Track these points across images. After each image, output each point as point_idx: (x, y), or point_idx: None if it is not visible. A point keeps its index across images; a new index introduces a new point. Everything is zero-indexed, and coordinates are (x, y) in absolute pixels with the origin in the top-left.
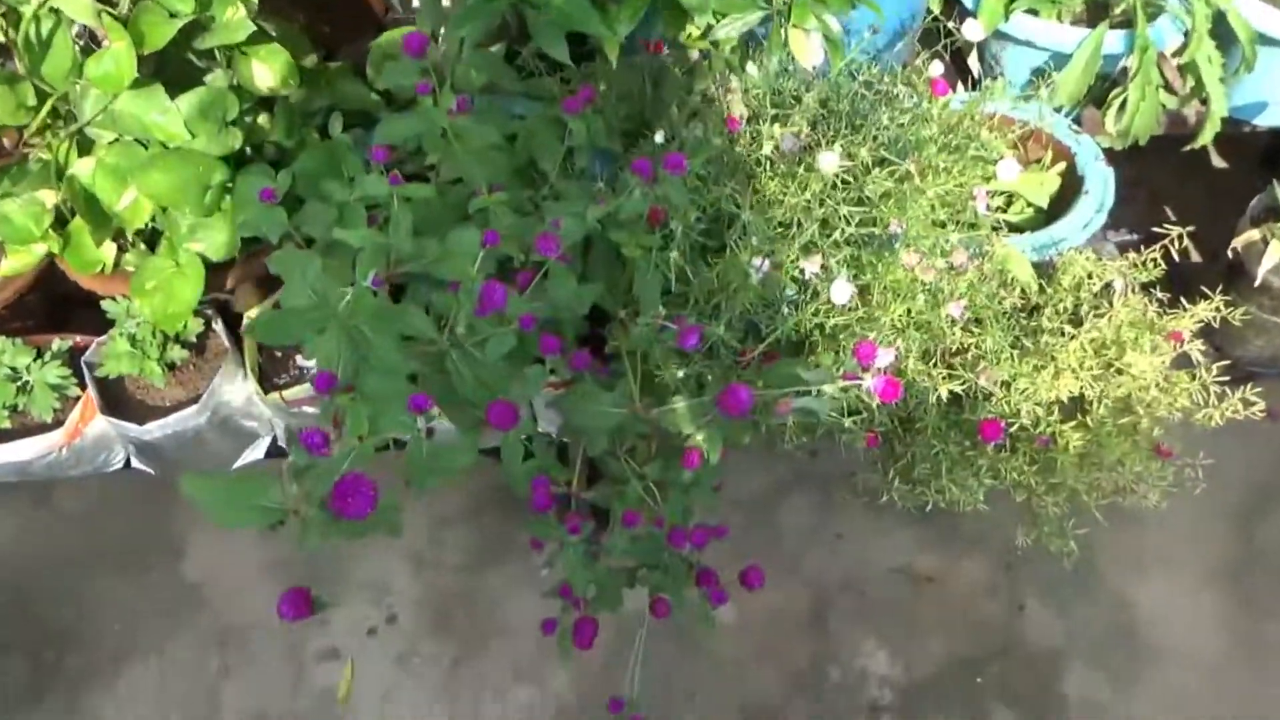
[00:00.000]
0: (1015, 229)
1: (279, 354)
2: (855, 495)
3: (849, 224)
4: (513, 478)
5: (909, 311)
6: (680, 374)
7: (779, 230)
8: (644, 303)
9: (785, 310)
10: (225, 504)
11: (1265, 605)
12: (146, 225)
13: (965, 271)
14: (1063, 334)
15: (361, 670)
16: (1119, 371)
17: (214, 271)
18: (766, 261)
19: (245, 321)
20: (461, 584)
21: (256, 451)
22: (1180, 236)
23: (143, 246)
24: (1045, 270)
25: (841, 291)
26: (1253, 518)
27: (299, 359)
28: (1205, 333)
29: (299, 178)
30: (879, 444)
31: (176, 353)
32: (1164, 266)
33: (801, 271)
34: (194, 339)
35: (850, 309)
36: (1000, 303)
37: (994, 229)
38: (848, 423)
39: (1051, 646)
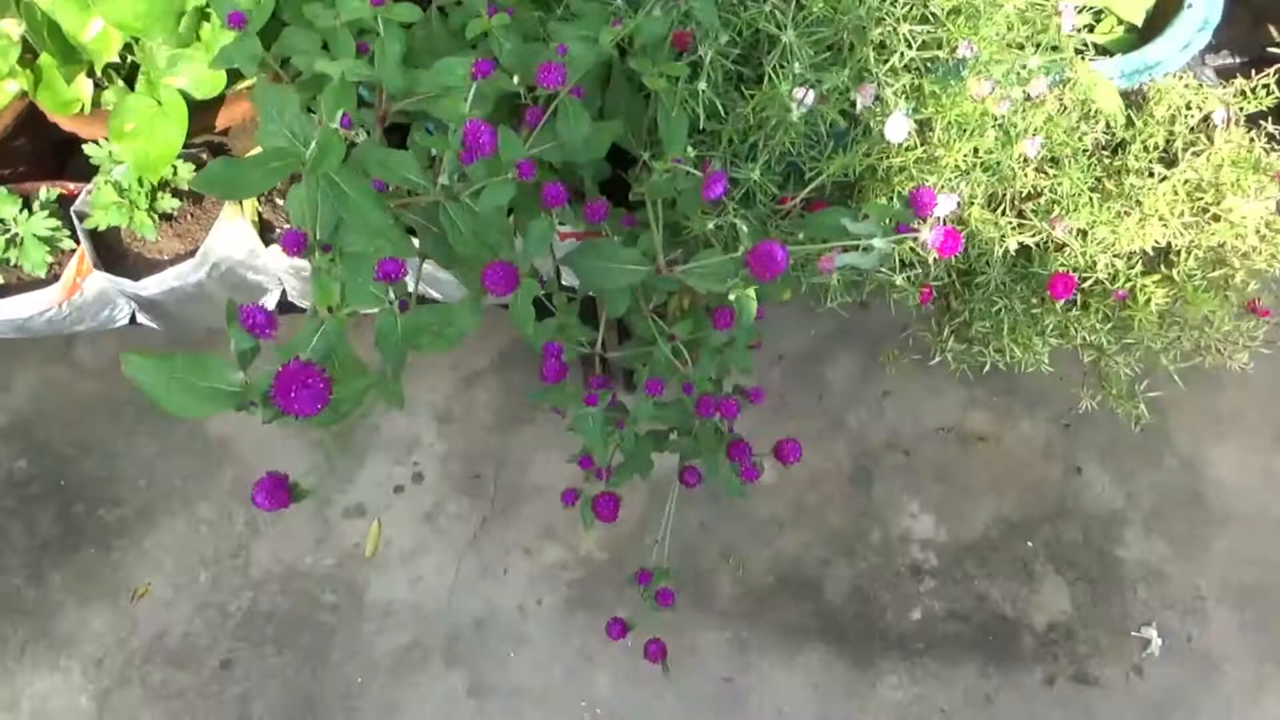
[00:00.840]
0: (1101, 50)
1: (279, 201)
2: (905, 352)
3: (910, 45)
4: (528, 339)
5: (975, 151)
6: (711, 225)
7: (826, 55)
8: (667, 144)
9: (831, 150)
10: (173, 388)
11: None
12: (123, 60)
13: (1043, 102)
14: (1151, 175)
15: (388, 528)
16: (1215, 218)
17: (202, 110)
18: (811, 93)
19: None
20: (490, 442)
21: (267, 305)
22: None
23: (120, 84)
24: (1133, 100)
25: (898, 127)
26: None
27: None
28: None
29: (283, 2)
30: (933, 299)
31: (168, 202)
32: (1277, 94)
33: (852, 104)
34: (186, 186)
35: (908, 148)
36: (1080, 139)
37: (1077, 51)
38: (899, 279)
39: (1109, 510)
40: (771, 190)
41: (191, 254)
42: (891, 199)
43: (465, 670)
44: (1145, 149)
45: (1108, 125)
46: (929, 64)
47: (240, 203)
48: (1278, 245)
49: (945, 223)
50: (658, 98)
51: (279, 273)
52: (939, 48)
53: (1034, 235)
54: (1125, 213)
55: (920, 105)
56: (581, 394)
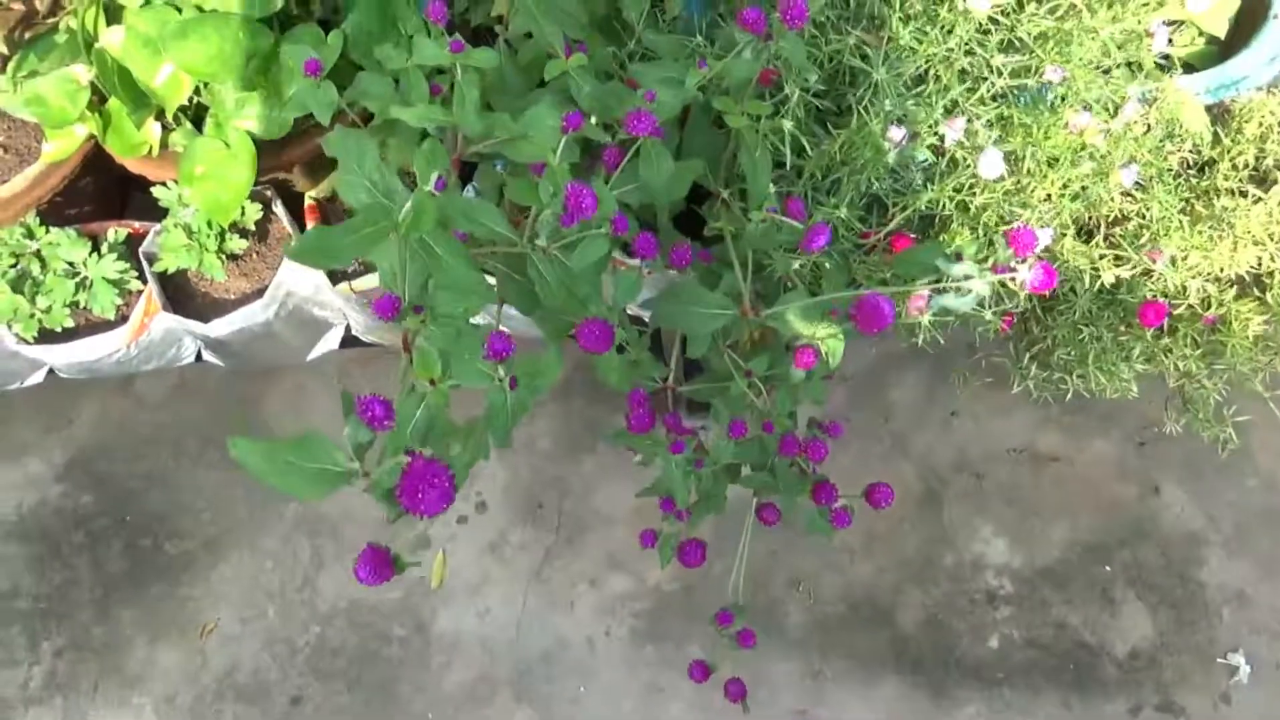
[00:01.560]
0: (1182, 66)
1: None
2: (976, 374)
3: (1000, 74)
4: (610, 384)
5: (1066, 182)
6: (795, 265)
7: (911, 88)
8: (752, 183)
9: (918, 183)
10: (283, 471)
11: None
12: (190, 102)
13: (1133, 125)
14: (1245, 196)
15: (454, 559)
16: None
17: (269, 150)
18: (904, 131)
19: (306, 201)
20: (552, 471)
21: (330, 342)
22: None
23: (189, 125)
24: (1216, 117)
25: (993, 163)
26: None
27: None
28: None
29: (352, 40)
30: (1012, 326)
31: (236, 243)
32: None
33: (941, 138)
34: (253, 226)
35: (997, 181)
36: (1165, 159)
37: (1159, 67)
38: (988, 315)
39: (1189, 531)
40: (855, 225)
41: (258, 292)
42: (980, 235)
43: (535, 705)
44: (1235, 168)
45: (1194, 144)
46: (1016, 91)
47: None
48: None
49: (1042, 259)
50: (739, 135)
51: (344, 308)
52: (1027, 74)
53: (1130, 268)
54: (1219, 236)
55: (1008, 136)
56: (666, 440)
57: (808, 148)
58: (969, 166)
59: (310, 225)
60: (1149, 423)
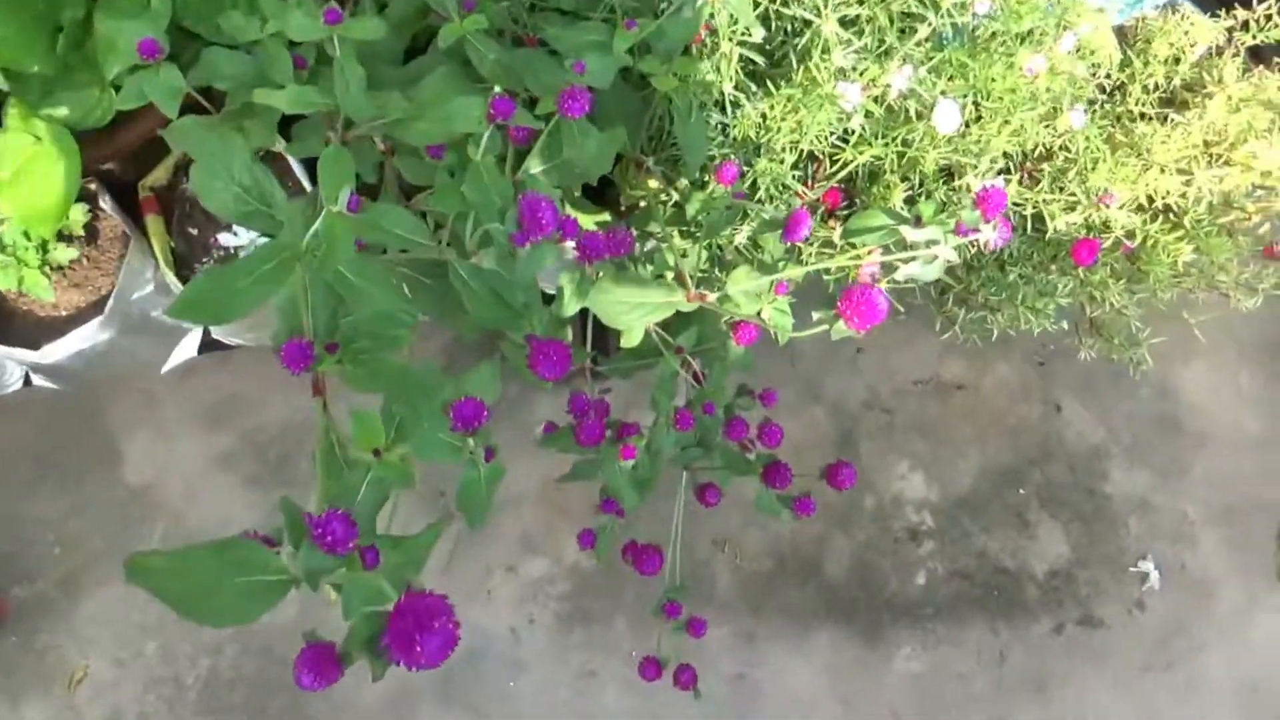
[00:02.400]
0: None
1: (194, 231)
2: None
3: (937, 10)
4: (472, 512)
5: (1016, 129)
6: (741, 239)
7: (852, 36)
8: (691, 156)
9: (867, 136)
10: (199, 590)
11: None
12: None
13: (1068, 58)
14: (1165, 121)
15: None
16: (1226, 163)
17: (92, 141)
18: (857, 88)
19: (140, 192)
20: None
21: (187, 349)
22: None
23: None
24: (1120, 38)
25: (948, 116)
26: None
27: (221, 237)
28: None
29: (182, 4)
30: None
31: (62, 253)
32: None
33: (887, 88)
34: (81, 230)
35: (953, 136)
36: (1081, 88)
37: None
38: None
39: (1092, 445)
40: (795, 187)
41: (94, 305)
42: (917, 187)
43: (464, 708)
44: (1146, 90)
45: (1106, 70)
46: (953, 29)
47: (149, 238)
48: None
49: (1005, 216)
50: (667, 99)
51: None
52: (960, 11)
53: (1082, 212)
54: (1144, 167)
55: (951, 82)
56: (614, 449)
57: (748, 105)
58: (921, 118)
59: (149, 221)
60: (1044, 341)
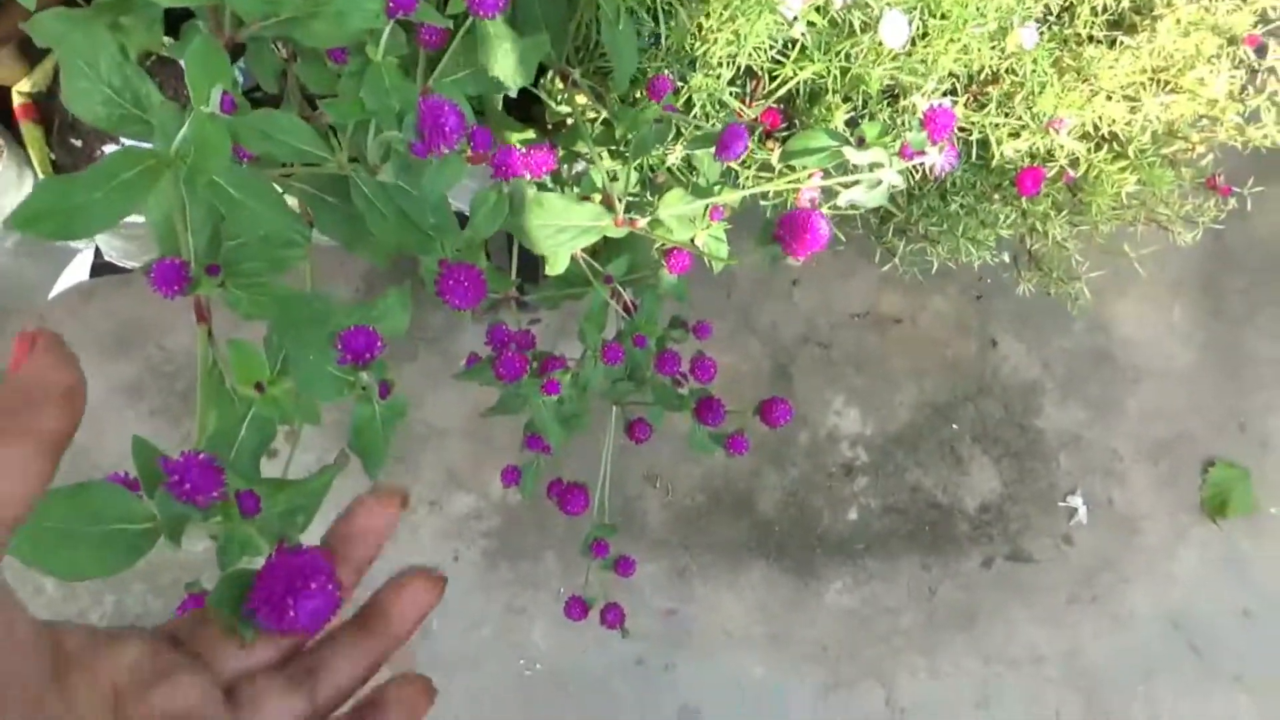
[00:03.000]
0: None
1: (77, 143)
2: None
3: None
4: (369, 455)
5: (964, 47)
6: (674, 160)
7: None
8: (620, 67)
9: (808, 50)
10: (53, 542)
11: (1235, 312)
12: None
13: None
14: (1113, 45)
15: None
16: (1174, 90)
17: None
18: None
19: (15, 98)
20: None
21: (77, 272)
22: None
23: None
24: None
25: (896, 29)
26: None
27: (107, 149)
28: None
29: None
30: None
31: None
32: None
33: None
34: None
35: (899, 52)
36: (1028, 6)
37: None
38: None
39: (1026, 381)
40: (732, 105)
41: None
42: (860, 107)
43: None
44: (1094, 12)
45: None
46: None
47: (26, 149)
48: (1245, 116)
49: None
50: (595, 3)
51: None
52: None
53: (1032, 137)
54: (1091, 92)
55: None
56: (536, 383)
57: (683, 14)
58: (866, 31)
59: (26, 129)
60: (982, 274)
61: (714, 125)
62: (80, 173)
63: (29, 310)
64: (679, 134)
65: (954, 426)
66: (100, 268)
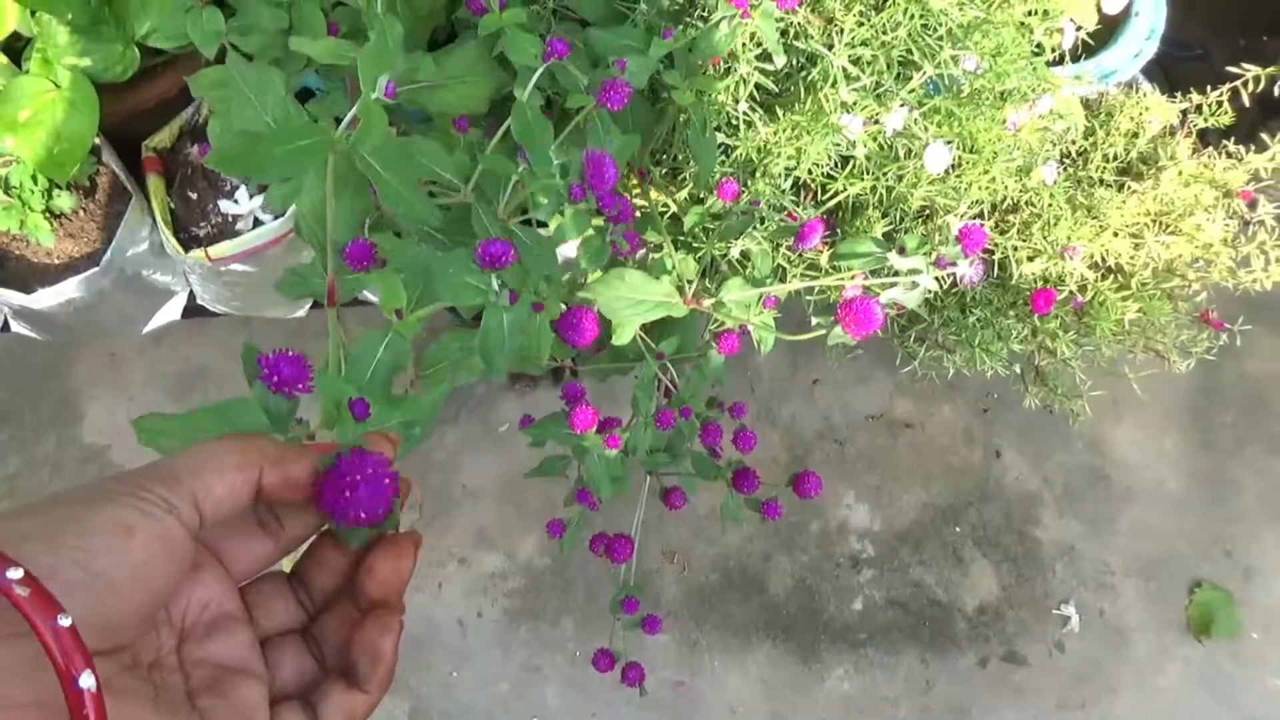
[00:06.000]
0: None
1: (193, 195)
2: (849, 349)
3: (934, 62)
4: (491, 357)
5: (994, 176)
6: (737, 253)
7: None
8: (704, 167)
9: (859, 169)
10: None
11: (1223, 444)
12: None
13: (1046, 118)
14: (1122, 189)
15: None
16: (1173, 232)
17: (108, 95)
18: (859, 119)
19: (144, 151)
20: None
21: (172, 311)
22: (1257, 79)
23: (3, 59)
24: (1088, 110)
25: (939, 157)
26: (1214, 360)
27: (222, 204)
28: None
29: None
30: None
31: (64, 200)
32: (1231, 112)
33: (882, 126)
34: (87, 181)
35: (938, 177)
36: (1050, 149)
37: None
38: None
39: (1027, 492)
40: (787, 208)
41: (87, 257)
42: (897, 223)
43: (404, 694)
44: (1106, 159)
45: (1071, 137)
46: (937, 79)
47: (149, 197)
48: (1234, 259)
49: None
50: (682, 112)
51: (190, 275)
52: (951, 64)
53: (1047, 261)
54: (1101, 227)
55: (940, 127)
56: (599, 439)
57: (760, 128)
58: (911, 157)
59: (151, 181)
60: (989, 389)
61: (772, 228)
62: (266, 132)
63: (111, 346)
64: (753, 225)
65: (957, 529)
66: (192, 310)
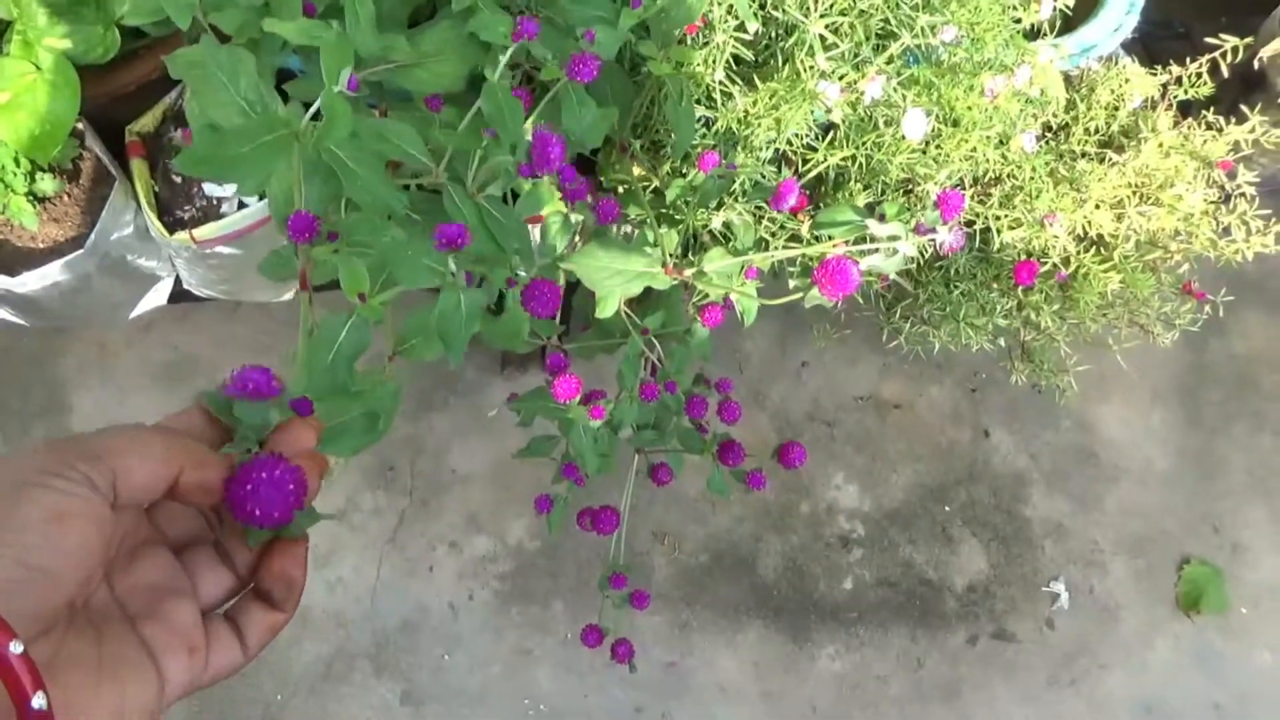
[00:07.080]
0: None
1: (178, 179)
2: (836, 328)
3: (911, 32)
4: (508, 341)
5: (974, 145)
6: (718, 223)
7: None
8: (681, 138)
9: (837, 139)
10: None
11: (1211, 422)
12: None
13: (1025, 89)
14: (1103, 161)
15: None
16: (1155, 204)
17: (90, 78)
18: (837, 86)
19: (127, 136)
20: (402, 430)
21: (158, 296)
22: (1235, 49)
23: None
24: (1069, 84)
25: (916, 125)
26: (1202, 338)
27: (205, 186)
28: None
29: None
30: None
31: (47, 183)
32: (1210, 83)
33: (861, 94)
34: (70, 164)
35: (917, 146)
36: (1029, 122)
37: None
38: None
39: (1015, 470)
40: (769, 180)
41: (72, 240)
42: (879, 192)
43: (396, 678)
44: (1087, 132)
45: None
46: (915, 50)
47: (133, 180)
48: (1216, 229)
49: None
50: (658, 83)
51: (175, 260)
52: (928, 33)
53: (1027, 230)
54: (1082, 200)
55: (919, 96)
56: (584, 408)
57: (738, 98)
58: (890, 126)
59: (135, 164)
60: (977, 369)
61: (751, 201)
62: (229, 130)
63: (98, 335)
64: (731, 193)
65: (946, 508)
66: (179, 295)
